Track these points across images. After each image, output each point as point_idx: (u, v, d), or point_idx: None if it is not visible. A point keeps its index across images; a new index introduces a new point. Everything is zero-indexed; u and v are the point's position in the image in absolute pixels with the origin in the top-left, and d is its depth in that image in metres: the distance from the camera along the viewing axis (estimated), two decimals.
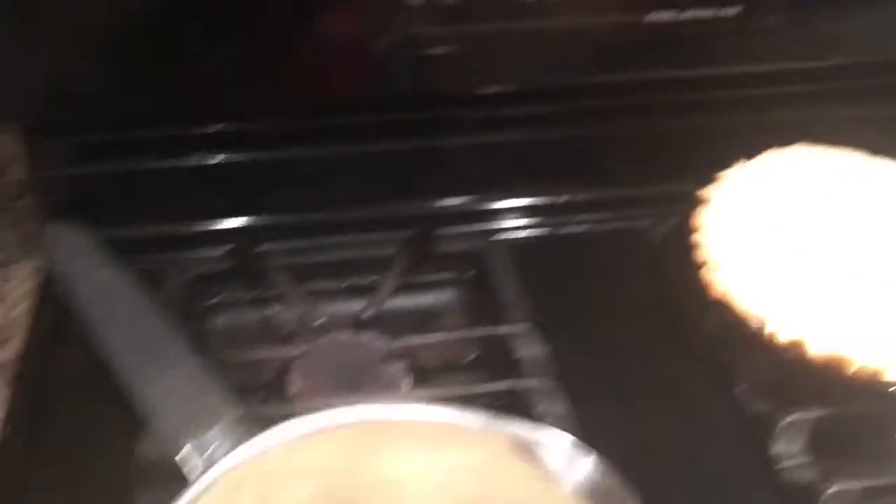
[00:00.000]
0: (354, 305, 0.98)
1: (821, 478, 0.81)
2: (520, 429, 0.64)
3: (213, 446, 0.63)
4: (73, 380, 0.89)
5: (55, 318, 0.92)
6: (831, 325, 0.81)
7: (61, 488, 0.80)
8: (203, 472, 0.61)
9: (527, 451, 0.63)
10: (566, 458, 0.63)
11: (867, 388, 0.81)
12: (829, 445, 0.84)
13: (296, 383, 0.87)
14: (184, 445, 0.63)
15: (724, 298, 0.85)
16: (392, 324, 0.97)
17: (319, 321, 0.94)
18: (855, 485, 0.79)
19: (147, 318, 0.67)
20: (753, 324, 0.83)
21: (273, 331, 0.99)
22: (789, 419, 0.85)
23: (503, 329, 0.94)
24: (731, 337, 0.87)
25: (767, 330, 0.82)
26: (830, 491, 0.79)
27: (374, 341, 0.93)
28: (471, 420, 0.64)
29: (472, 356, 0.95)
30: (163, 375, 0.65)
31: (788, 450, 0.85)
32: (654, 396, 0.88)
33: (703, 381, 0.92)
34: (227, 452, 0.62)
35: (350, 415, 0.63)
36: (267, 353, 0.93)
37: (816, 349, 0.80)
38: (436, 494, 0.67)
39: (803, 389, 0.86)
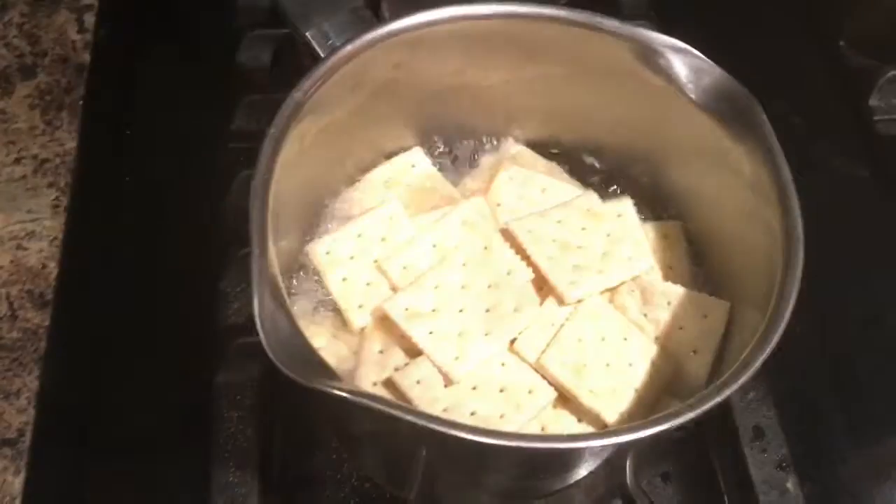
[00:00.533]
0: None
1: None
2: (650, 35, 0.62)
3: (334, 34, 0.63)
4: None
5: None
6: None
7: None
8: (326, 57, 0.61)
9: (653, 58, 0.62)
10: (691, 68, 0.62)
11: None
12: None
13: None
14: (306, 30, 0.62)
15: None
16: None
17: None
18: None
19: None
20: None
21: None
22: (890, 74, 0.84)
23: None
24: None
25: None
26: None
27: None
28: (603, 23, 0.62)
29: None
30: None
31: (885, 104, 0.84)
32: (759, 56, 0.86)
33: (808, 33, 0.90)
34: (348, 41, 0.61)
35: (485, 8, 0.62)
36: None
37: None
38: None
39: None
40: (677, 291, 0.64)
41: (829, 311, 0.74)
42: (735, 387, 0.50)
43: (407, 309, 0.61)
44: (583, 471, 0.55)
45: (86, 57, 0.85)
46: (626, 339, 0.63)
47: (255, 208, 0.53)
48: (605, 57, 0.64)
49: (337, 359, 0.61)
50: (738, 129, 0.60)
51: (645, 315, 0.64)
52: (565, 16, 0.63)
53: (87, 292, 0.73)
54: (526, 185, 0.69)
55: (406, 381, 0.58)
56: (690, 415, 0.50)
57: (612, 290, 0.65)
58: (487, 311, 0.61)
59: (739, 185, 0.61)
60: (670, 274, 0.67)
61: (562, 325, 0.62)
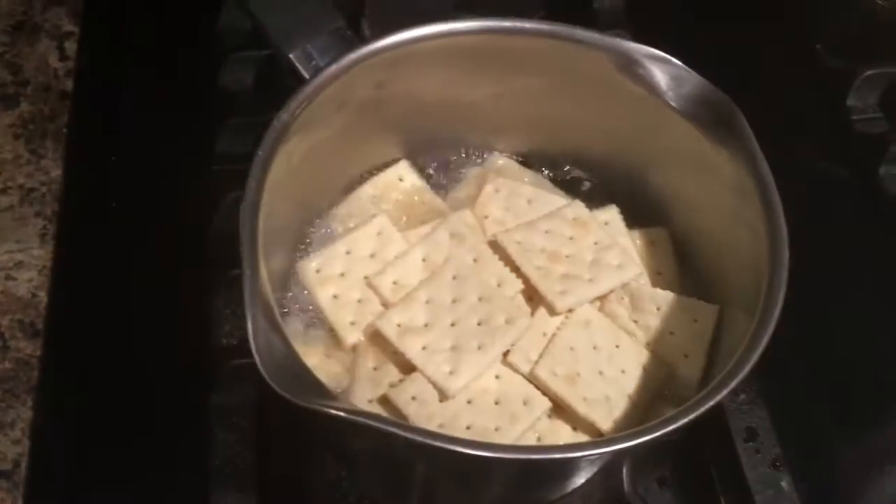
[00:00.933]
0: None
1: (891, 129, 0.83)
2: (629, 46, 0.63)
3: (318, 55, 0.63)
4: None
5: None
6: None
7: None
8: (311, 78, 0.61)
9: (633, 68, 0.63)
10: (671, 76, 0.63)
11: None
12: None
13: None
14: (289, 52, 0.63)
15: None
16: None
17: None
18: None
19: None
20: None
21: None
22: (866, 74, 0.85)
23: None
24: None
25: None
26: None
27: None
28: (583, 35, 0.63)
29: None
30: None
31: (862, 103, 0.85)
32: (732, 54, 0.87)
33: (784, 36, 0.91)
34: (333, 62, 0.62)
35: (466, 25, 0.62)
36: None
37: None
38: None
39: (887, 45, 0.85)
40: (666, 297, 0.65)
41: (815, 311, 0.75)
42: (727, 390, 0.51)
43: (399, 325, 0.61)
44: (579, 480, 0.55)
45: (68, 84, 0.84)
46: (617, 346, 0.63)
47: (246, 230, 0.53)
48: (586, 68, 0.65)
49: (330, 377, 0.62)
50: (719, 135, 0.61)
51: (635, 321, 0.65)
52: (546, 29, 0.64)
53: (78, 320, 0.72)
54: (512, 196, 0.69)
55: (401, 398, 0.58)
56: (684, 420, 0.50)
57: (602, 297, 0.66)
58: (479, 324, 0.61)
59: (723, 189, 0.62)
60: (659, 280, 0.68)
61: (553, 335, 0.62)
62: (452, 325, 0.61)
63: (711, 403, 0.51)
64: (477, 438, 0.56)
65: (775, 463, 0.67)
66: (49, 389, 0.69)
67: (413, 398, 0.58)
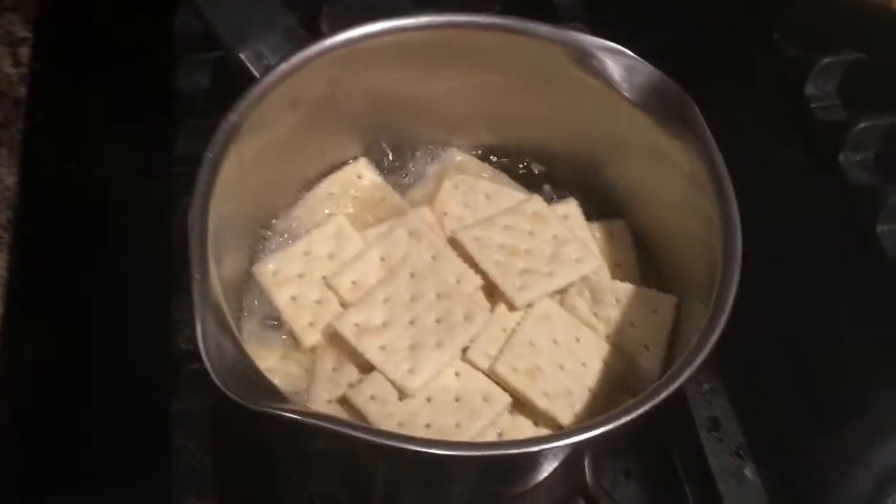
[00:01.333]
0: None
1: (849, 116, 0.83)
2: (582, 38, 0.63)
3: (269, 54, 0.62)
4: None
5: None
6: None
7: None
8: (261, 78, 0.61)
9: (587, 60, 0.63)
10: (625, 68, 0.63)
11: None
12: (859, 89, 0.85)
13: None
14: (240, 52, 0.62)
15: None
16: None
17: None
18: (882, 122, 0.81)
19: None
20: None
21: None
22: (824, 62, 0.85)
23: None
24: None
25: None
26: (858, 127, 0.81)
27: None
28: (536, 28, 0.63)
29: None
30: None
31: (821, 91, 0.86)
32: (691, 45, 0.87)
33: (742, 26, 0.91)
34: (283, 60, 0.61)
35: (417, 20, 0.62)
36: None
37: None
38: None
39: (843, 33, 0.85)
40: (626, 289, 0.65)
41: (776, 299, 0.75)
42: (682, 379, 0.51)
43: (357, 325, 0.61)
44: (542, 474, 0.55)
45: (22, 90, 0.84)
46: (578, 339, 0.63)
47: (195, 232, 0.53)
48: (541, 61, 0.65)
49: (288, 378, 0.61)
50: (673, 125, 0.61)
51: (595, 314, 0.65)
52: (498, 23, 0.64)
53: (34, 327, 0.72)
54: (471, 192, 0.69)
55: (360, 398, 0.58)
56: (641, 410, 0.50)
57: (562, 291, 0.65)
58: (438, 321, 0.61)
59: (678, 179, 0.62)
60: (619, 272, 0.68)
61: (513, 331, 0.62)
62: (411, 323, 0.61)
63: (667, 393, 0.50)
64: (436, 436, 0.56)
65: (738, 452, 0.67)
66: (6, 396, 0.68)
67: (372, 397, 0.58)
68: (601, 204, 0.71)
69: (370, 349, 0.59)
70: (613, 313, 0.64)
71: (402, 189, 0.72)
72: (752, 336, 0.73)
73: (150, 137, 0.80)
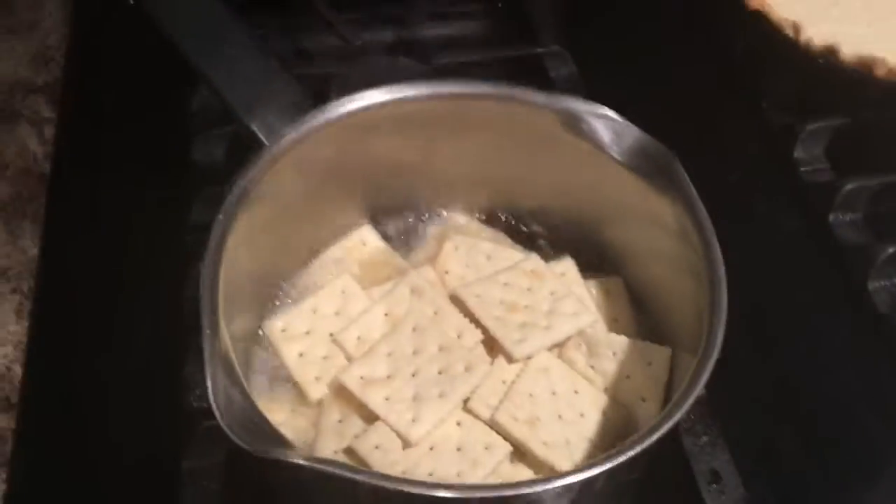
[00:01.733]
0: (387, 34, 1.00)
1: (837, 178, 0.86)
2: (572, 104, 0.67)
3: (278, 123, 0.66)
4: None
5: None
6: (865, 32, 0.84)
7: None
8: (269, 146, 0.64)
9: (578, 125, 0.67)
10: (613, 131, 0.66)
11: (891, 94, 0.85)
12: (846, 153, 0.88)
13: None
14: (250, 122, 0.66)
15: (762, 9, 0.86)
16: (425, 49, 0.99)
17: (357, 42, 0.95)
18: (870, 182, 0.84)
19: (210, 5, 0.69)
20: (789, 31, 0.85)
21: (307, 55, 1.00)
22: (811, 127, 0.89)
23: (536, 50, 0.96)
24: (763, 49, 0.89)
25: (803, 37, 0.84)
26: (847, 188, 0.84)
27: (408, 64, 0.94)
28: (530, 95, 0.67)
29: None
30: (228, 58, 0.67)
31: (808, 155, 0.89)
32: (686, 116, 0.91)
33: (732, 97, 0.95)
34: (291, 129, 0.65)
35: (416, 91, 0.66)
36: (305, 70, 0.95)
37: (849, 53, 0.83)
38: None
39: (827, 100, 0.89)
40: (621, 342, 0.67)
41: (774, 353, 0.77)
42: (673, 420, 0.53)
43: (362, 377, 0.63)
44: None
45: (47, 167, 0.88)
46: (576, 391, 0.65)
47: (206, 289, 0.56)
48: (536, 127, 0.69)
49: (296, 432, 0.63)
50: (659, 183, 0.64)
51: (593, 367, 0.67)
52: (494, 91, 0.68)
53: (52, 393, 0.74)
54: (471, 252, 0.72)
55: (364, 447, 0.60)
56: (636, 449, 0.52)
57: (560, 345, 0.68)
58: (440, 372, 0.63)
59: (668, 237, 0.65)
60: (615, 326, 0.70)
61: (513, 382, 0.64)
62: (413, 374, 0.63)
63: (659, 433, 0.52)
64: None
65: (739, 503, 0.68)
66: (23, 461, 0.70)
67: (376, 447, 0.60)
68: (598, 261, 0.74)
69: (374, 400, 0.61)
70: (610, 366, 0.66)
71: (404, 251, 0.75)
72: (751, 388, 0.74)
73: (168, 207, 0.83)
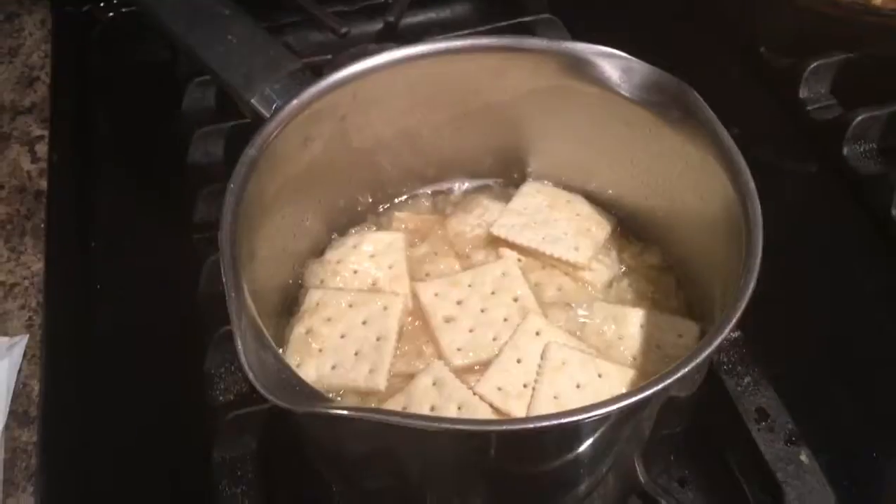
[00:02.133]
0: (374, 24, 0.99)
1: (846, 112, 0.85)
2: (576, 45, 0.65)
3: (276, 95, 0.65)
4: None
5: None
6: None
7: None
8: (274, 114, 0.62)
9: (584, 68, 0.65)
10: (621, 69, 0.65)
11: (888, 28, 0.83)
12: (851, 87, 0.87)
13: None
14: (250, 98, 0.65)
15: None
16: (414, 34, 0.98)
17: (344, 31, 0.94)
18: (880, 111, 0.83)
19: None
20: None
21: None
22: (813, 66, 0.88)
23: (526, 18, 0.95)
24: None
25: None
26: (857, 119, 0.83)
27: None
28: (532, 43, 0.65)
29: None
30: (220, 36, 0.66)
31: (814, 94, 0.88)
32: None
33: (730, 49, 0.94)
34: (293, 97, 0.63)
35: (417, 49, 0.64)
36: None
37: None
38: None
39: (827, 37, 0.88)
40: (649, 315, 0.66)
41: (804, 291, 0.76)
42: (716, 343, 0.50)
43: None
44: (589, 451, 0.54)
45: (42, 184, 0.86)
46: (599, 375, 0.63)
47: (226, 257, 0.53)
48: (539, 76, 0.67)
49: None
50: (675, 116, 0.63)
51: (620, 337, 0.65)
52: (494, 43, 0.66)
53: (71, 402, 0.72)
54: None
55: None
56: (677, 374, 0.49)
57: (587, 320, 0.67)
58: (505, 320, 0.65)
59: (690, 173, 0.64)
60: (648, 295, 0.69)
61: (533, 389, 0.62)
62: (482, 311, 0.64)
63: (703, 356, 0.50)
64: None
65: (791, 438, 0.66)
66: (49, 474, 0.68)
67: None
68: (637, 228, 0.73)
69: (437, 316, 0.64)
70: (637, 338, 0.65)
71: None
72: (788, 329, 0.73)
73: (170, 210, 0.82)
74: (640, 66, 0.64)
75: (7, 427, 0.70)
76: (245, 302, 0.52)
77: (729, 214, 0.59)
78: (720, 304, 0.60)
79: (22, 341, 0.72)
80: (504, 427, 0.48)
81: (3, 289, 0.78)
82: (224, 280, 0.52)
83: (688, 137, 0.62)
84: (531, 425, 0.48)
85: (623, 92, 0.65)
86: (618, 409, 0.48)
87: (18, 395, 0.72)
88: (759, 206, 0.56)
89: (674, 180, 0.67)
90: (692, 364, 0.49)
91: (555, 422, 0.47)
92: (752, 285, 0.51)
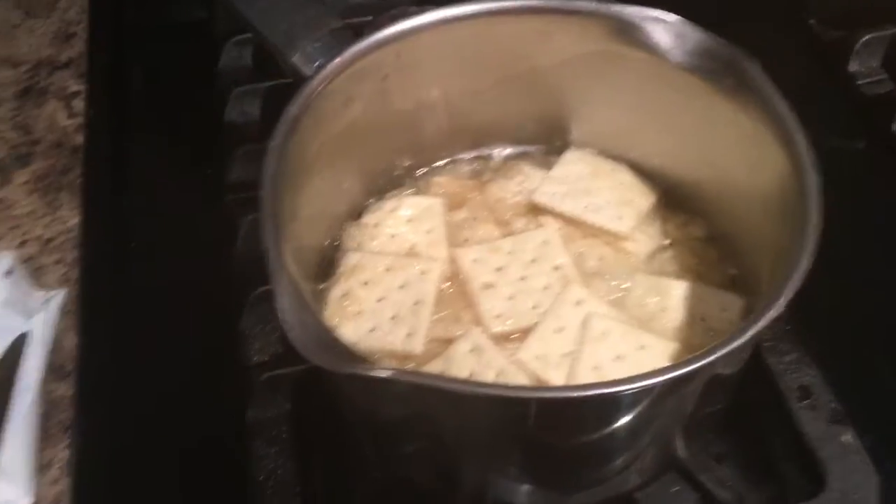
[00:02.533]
0: None
1: None
2: (625, 10, 0.64)
3: (318, 54, 0.63)
4: None
5: None
6: None
7: None
8: (315, 73, 0.61)
9: (633, 33, 0.64)
10: (672, 34, 0.63)
11: None
12: None
13: None
14: (292, 55, 0.64)
15: None
16: None
17: None
18: None
19: None
20: None
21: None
22: (865, 38, 0.85)
23: None
24: None
25: None
26: None
27: None
28: (578, 5, 0.64)
29: None
30: None
31: (865, 68, 0.86)
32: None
33: (777, 18, 0.92)
34: (336, 56, 0.62)
35: (462, 10, 0.63)
36: None
37: None
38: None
39: (879, 8, 0.86)
40: (694, 287, 0.64)
41: (851, 268, 0.74)
42: (767, 319, 0.49)
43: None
44: (629, 425, 0.53)
45: (78, 139, 0.86)
46: (642, 347, 0.61)
47: (267, 213, 0.53)
48: (586, 40, 0.65)
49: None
50: (728, 84, 0.61)
51: (663, 309, 0.64)
52: (540, 4, 0.65)
53: (106, 357, 0.72)
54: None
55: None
56: (722, 351, 0.48)
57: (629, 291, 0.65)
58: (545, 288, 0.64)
59: (740, 140, 0.62)
60: (691, 271, 0.67)
61: (573, 359, 0.60)
62: (522, 279, 0.63)
63: (744, 339, 0.48)
64: None
65: (835, 418, 0.64)
66: (84, 427, 0.68)
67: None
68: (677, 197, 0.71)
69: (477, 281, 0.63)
70: (681, 310, 0.63)
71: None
72: (832, 306, 0.71)
73: (206, 168, 0.81)
74: (692, 32, 0.62)
75: (43, 380, 0.70)
76: (285, 261, 0.51)
77: (782, 188, 0.57)
78: (768, 279, 0.58)
79: (58, 296, 0.72)
80: (548, 394, 0.47)
81: (39, 243, 0.78)
82: (264, 238, 0.52)
83: (740, 106, 0.61)
84: (575, 394, 0.47)
85: (673, 58, 0.63)
86: (663, 381, 0.47)
87: (54, 349, 0.72)
88: (817, 181, 0.54)
89: (723, 151, 0.65)
90: (746, 335, 0.48)
91: (600, 391, 0.46)
92: (806, 262, 0.50)
